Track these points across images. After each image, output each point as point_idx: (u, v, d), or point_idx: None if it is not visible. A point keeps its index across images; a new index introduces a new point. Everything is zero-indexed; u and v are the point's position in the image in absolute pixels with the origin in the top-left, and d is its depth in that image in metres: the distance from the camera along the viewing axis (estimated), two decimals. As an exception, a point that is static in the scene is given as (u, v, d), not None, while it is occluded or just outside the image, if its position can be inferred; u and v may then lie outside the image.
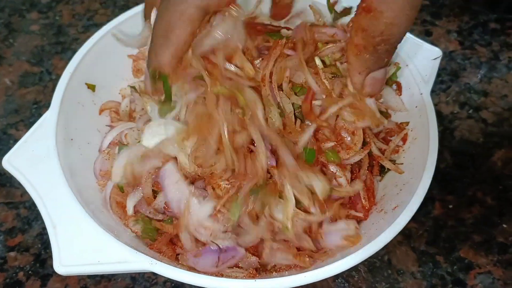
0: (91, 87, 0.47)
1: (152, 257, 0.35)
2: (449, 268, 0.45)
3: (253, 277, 0.37)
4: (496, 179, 0.51)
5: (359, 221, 0.40)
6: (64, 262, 0.35)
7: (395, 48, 0.35)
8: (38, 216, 0.48)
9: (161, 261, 0.35)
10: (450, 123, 0.55)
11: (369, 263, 0.45)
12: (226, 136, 0.35)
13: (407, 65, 0.46)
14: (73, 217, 0.37)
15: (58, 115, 0.42)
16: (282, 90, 0.40)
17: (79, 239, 0.36)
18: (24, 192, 0.50)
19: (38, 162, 0.40)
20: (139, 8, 0.49)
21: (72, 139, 0.43)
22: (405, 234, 0.47)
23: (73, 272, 0.35)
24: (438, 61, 0.47)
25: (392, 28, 0.33)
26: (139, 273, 0.45)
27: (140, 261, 0.34)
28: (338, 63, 0.41)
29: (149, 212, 0.39)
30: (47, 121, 0.42)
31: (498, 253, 0.46)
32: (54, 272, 0.44)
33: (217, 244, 0.36)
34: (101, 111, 0.48)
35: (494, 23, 0.65)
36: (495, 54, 0.62)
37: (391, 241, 0.36)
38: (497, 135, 0.54)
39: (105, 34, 0.48)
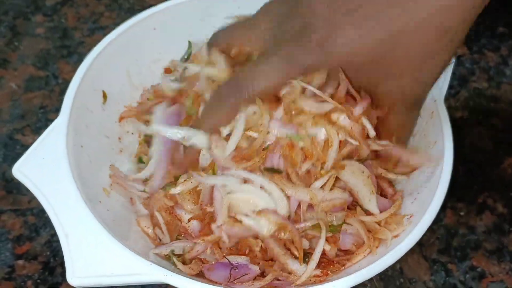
0: (104, 96, 0.47)
1: (166, 268, 0.34)
2: (461, 277, 0.45)
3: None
4: (506, 186, 0.51)
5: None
6: (78, 274, 0.34)
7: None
8: (46, 224, 0.48)
9: (176, 273, 0.34)
10: (459, 130, 0.54)
11: (381, 272, 0.45)
12: None
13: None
14: (85, 227, 0.36)
15: (68, 122, 0.42)
16: None
17: (92, 249, 0.35)
18: (32, 199, 0.49)
19: (48, 170, 0.39)
20: (148, 12, 0.49)
21: (82, 146, 0.43)
22: (417, 242, 0.47)
23: (87, 284, 0.34)
24: (451, 67, 0.47)
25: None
26: (150, 284, 0.44)
27: (154, 273, 0.34)
28: None
29: None
30: (57, 128, 0.41)
31: (510, 261, 0.46)
32: (63, 280, 0.44)
33: (228, 260, 0.36)
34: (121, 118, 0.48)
35: (503, 27, 0.64)
36: (504, 58, 0.61)
37: (403, 250, 0.36)
38: (507, 142, 0.54)
39: (114, 38, 0.47)
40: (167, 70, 0.49)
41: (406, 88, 0.36)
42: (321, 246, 0.36)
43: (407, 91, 0.37)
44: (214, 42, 0.43)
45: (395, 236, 0.38)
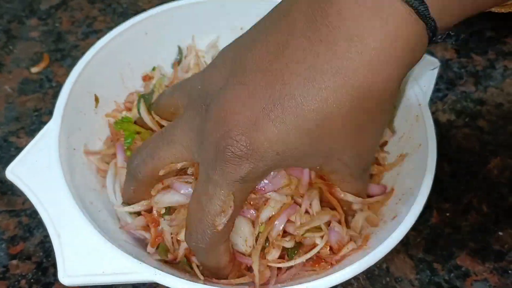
0: (96, 100, 0.47)
1: (156, 268, 0.35)
2: (446, 276, 0.46)
3: None
4: (491, 186, 0.52)
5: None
6: (69, 273, 0.35)
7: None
8: (39, 224, 0.49)
9: (165, 271, 0.35)
10: (447, 132, 0.56)
11: (368, 271, 0.46)
12: None
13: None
14: (77, 227, 0.37)
15: (61, 125, 0.43)
16: None
17: (83, 249, 0.36)
18: (25, 200, 0.50)
19: (41, 172, 0.40)
20: (140, 17, 0.50)
21: (74, 149, 0.44)
22: (403, 242, 0.47)
23: (78, 282, 0.35)
24: (436, 71, 0.48)
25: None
26: (141, 283, 0.45)
27: (144, 272, 0.35)
28: None
29: None
30: (50, 131, 0.42)
31: (494, 261, 0.47)
32: (56, 280, 0.45)
33: None
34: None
35: (490, 31, 0.66)
36: (491, 62, 0.62)
37: (389, 249, 0.37)
38: (492, 143, 0.55)
39: (107, 42, 0.48)
40: (146, 78, 0.50)
41: (350, 163, 0.36)
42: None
43: (352, 165, 0.36)
44: (155, 105, 0.45)
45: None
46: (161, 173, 0.38)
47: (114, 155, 0.45)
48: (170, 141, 0.38)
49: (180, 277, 0.35)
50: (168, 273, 0.35)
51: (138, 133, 0.45)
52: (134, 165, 0.40)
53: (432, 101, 0.58)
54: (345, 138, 0.33)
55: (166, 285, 0.35)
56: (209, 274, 0.39)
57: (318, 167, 0.37)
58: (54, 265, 0.46)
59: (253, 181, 0.35)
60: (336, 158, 0.35)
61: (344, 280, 0.36)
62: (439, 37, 0.32)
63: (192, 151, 0.37)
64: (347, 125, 0.32)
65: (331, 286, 0.35)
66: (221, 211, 0.34)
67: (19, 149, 0.53)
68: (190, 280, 0.35)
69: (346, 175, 0.37)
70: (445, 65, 0.62)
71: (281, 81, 0.31)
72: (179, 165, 0.38)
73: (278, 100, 0.31)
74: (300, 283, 0.35)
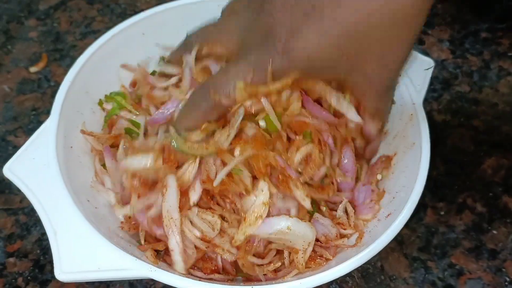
0: (100, 104, 0.48)
1: (151, 264, 0.36)
2: (440, 274, 0.46)
3: (249, 283, 0.38)
4: (486, 186, 0.52)
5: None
6: (65, 269, 0.35)
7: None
8: (36, 222, 0.49)
9: (160, 268, 0.35)
10: (442, 132, 0.56)
11: (363, 269, 0.46)
12: None
13: (400, 75, 0.47)
14: (73, 224, 0.37)
15: (58, 124, 0.43)
16: None
17: (79, 246, 0.36)
18: (23, 198, 0.50)
19: (38, 170, 0.40)
20: (136, 18, 0.50)
21: (71, 147, 0.44)
22: (398, 240, 0.48)
23: (74, 279, 0.35)
24: (430, 71, 0.48)
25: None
26: (137, 280, 0.45)
27: (140, 268, 0.35)
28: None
29: None
30: (47, 129, 0.43)
31: (488, 259, 0.47)
32: (52, 277, 0.46)
33: None
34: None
35: (485, 32, 0.66)
36: (486, 63, 0.63)
37: (384, 247, 0.37)
38: (487, 143, 0.55)
39: (105, 42, 0.48)
40: (133, 84, 0.50)
41: (373, 76, 0.38)
42: None
43: (374, 79, 0.38)
44: (187, 43, 0.45)
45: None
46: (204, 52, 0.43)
47: (110, 138, 0.46)
48: (220, 28, 0.43)
49: (174, 273, 0.35)
50: (163, 269, 0.35)
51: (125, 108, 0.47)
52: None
53: (428, 101, 0.59)
54: (373, 46, 0.35)
55: (162, 281, 0.35)
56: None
57: (342, 77, 0.39)
58: (51, 263, 0.46)
59: (269, 76, 0.37)
60: (362, 67, 0.37)
61: (339, 277, 0.36)
62: None
63: (234, 38, 0.41)
64: (376, 34, 0.34)
65: (325, 282, 0.35)
66: (243, 76, 0.37)
67: (16, 148, 0.52)
68: (183, 276, 0.35)
69: (367, 89, 0.39)
70: (440, 65, 0.62)
71: None
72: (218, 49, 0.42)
73: (316, 8, 0.34)
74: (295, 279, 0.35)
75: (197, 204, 0.39)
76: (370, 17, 0.33)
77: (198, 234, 0.38)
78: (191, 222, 0.38)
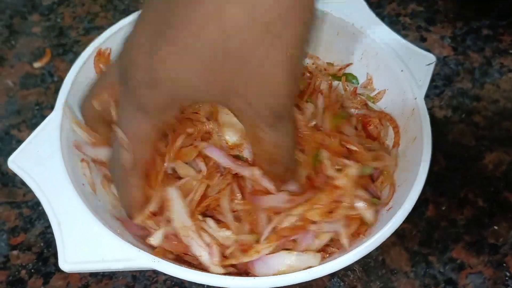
0: None
1: (154, 255, 0.36)
2: (441, 268, 0.47)
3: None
4: (487, 181, 0.52)
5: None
6: (69, 259, 0.36)
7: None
8: (40, 216, 0.49)
9: (163, 259, 0.36)
10: (443, 127, 0.56)
11: (364, 263, 0.47)
12: None
13: (402, 70, 0.47)
14: (77, 215, 0.38)
15: (63, 116, 0.43)
16: None
17: (83, 237, 0.37)
18: (27, 192, 0.51)
19: (43, 162, 0.41)
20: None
21: (75, 140, 0.44)
22: (399, 234, 0.48)
23: (78, 269, 0.36)
24: (432, 66, 0.48)
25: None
26: (139, 272, 0.46)
27: (143, 259, 0.35)
28: None
29: None
30: (51, 122, 0.43)
31: (489, 254, 0.47)
32: (56, 270, 0.46)
33: None
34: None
35: (487, 29, 0.66)
36: (488, 59, 0.63)
37: (385, 241, 0.37)
38: (488, 139, 0.55)
39: (108, 37, 0.49)
40: None
41: (256, 102, 0.33)
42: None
43: (259, 106, 0.33)
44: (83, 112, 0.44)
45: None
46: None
47: None
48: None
49: (178, 265, 0.35)
50: (166, 260, 0.36)
51: None
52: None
53: (429, 97, 0.59)
54: (243, 65, 0.30)
55: (165, 272, 0.36)
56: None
57: (223, 101, 0.34)
58: (54, 255, 0.47)
59: (158, 113, 0.35)
60: (239, 93, 0.32)
61: (339, 269, 0.36)
62: None
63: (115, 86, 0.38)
64: (244, 54, 0.30)
65: (326, 274, 0.36)
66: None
67: (20, 142, 0.53)
68: (186, 268, 0.36)
69: (254, 117, 0.34)
70: (442, 62, 0.62)
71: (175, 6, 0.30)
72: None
73: (173, 24, 0.30)
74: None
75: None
76: (238, 34, 0.29)
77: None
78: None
